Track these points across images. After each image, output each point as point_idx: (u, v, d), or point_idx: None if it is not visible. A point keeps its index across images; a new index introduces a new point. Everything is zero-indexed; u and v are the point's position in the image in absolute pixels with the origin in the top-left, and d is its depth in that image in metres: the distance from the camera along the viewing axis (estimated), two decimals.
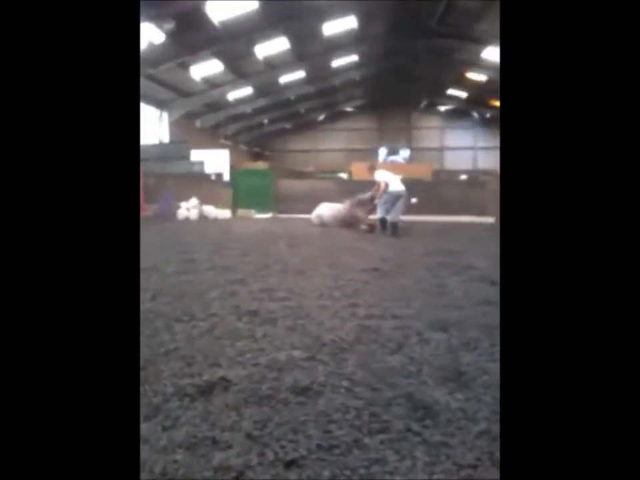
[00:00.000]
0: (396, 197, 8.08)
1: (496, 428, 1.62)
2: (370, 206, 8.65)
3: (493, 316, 2.87)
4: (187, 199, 12.04)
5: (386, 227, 8.17)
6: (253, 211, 12.63)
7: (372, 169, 8.73)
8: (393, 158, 30.32)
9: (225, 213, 12.22)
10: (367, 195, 8.75)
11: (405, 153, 31.42)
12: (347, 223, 8.95)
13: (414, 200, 11.09)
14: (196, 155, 15.80)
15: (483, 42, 16.91)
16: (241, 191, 13.09)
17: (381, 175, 8.37)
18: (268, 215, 12.55)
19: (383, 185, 8.12)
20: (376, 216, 8.33)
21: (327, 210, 9.46)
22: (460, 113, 29.42)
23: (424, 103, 29.26)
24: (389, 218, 8.10)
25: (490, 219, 10.98)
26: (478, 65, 19.76)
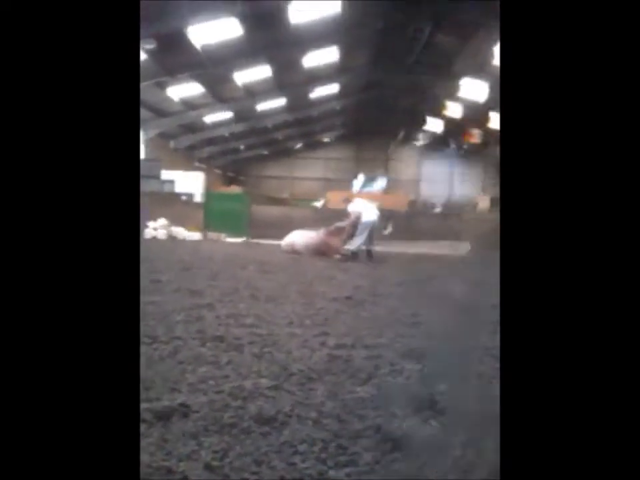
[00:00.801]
0: (368, 225, 8.36)
1: (470, 453, 1.60)
2: (345, 235, 8.76)
3: (468, 344, 2.88)
4: (155, 218, 11.87)
5: (356, 258, 8.40)
6: (223, 235, 12.55)
7: (347, 201, 9.00)
8: (368, 188, 30.89)
9: (195, 235, 12.09)
10: (344, 224, 8.86)
11: (381, 182, 32.05)
12: (320, 251, 8.97)
13: (389, 229, 11.24)
14: (168, 175, 15.71)
15: (460, 77, 17.63)
16: (213, 214, 13.02)
17: (354, 206, 8.59)
18: (240, 240, 12.47)
19: (353, 217, 8.39)
20: (350, 246, 8.49)
21: (299, 237, 9.46)
22: (437, 143, 30.41)
23: (401, 134, 30.06)
24: (363, 246, 8.29)
25: (465, 248, 11.17)
26: (455, 99, 20.51)
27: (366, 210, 8.52)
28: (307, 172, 33.78)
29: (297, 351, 2.78)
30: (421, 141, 31.41)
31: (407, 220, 13.49)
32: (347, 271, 7.01)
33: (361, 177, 29.15)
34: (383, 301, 4.57)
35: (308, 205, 21.50)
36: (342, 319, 3.71)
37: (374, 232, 8.59)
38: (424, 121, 26.28)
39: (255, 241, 12.24)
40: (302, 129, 28.49)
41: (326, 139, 32.54)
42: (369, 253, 8.59)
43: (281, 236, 10.14)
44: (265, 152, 31.98)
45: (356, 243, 8.43)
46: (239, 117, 22.70)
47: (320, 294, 4.77)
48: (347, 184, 29.72)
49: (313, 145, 32.90)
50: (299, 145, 32.55)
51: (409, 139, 31.27)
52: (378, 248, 9.08)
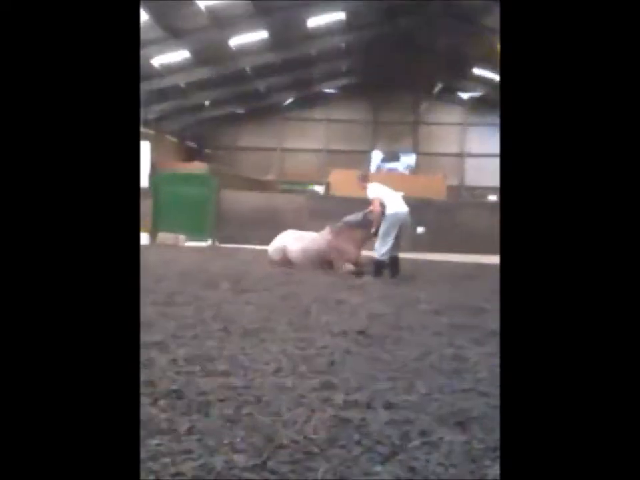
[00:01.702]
0: (396, 221, 8.24)
1: None
2: (364, 235, 8.68)
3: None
4: None
5: (383, 270, 8.27)
6: (181, 237, 12.56)
7: (364, 180, 8.80)
8: (391, 166, 30.90)
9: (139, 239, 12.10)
10: (359, 218, 8.77)
11: (408, 159, 32.02)
12: (326, 261, 8.92)
13: (421, 229, 11.30)
14: None
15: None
16: (164, 205, 13.03)
17: (375, 191, 8.47)
18: (204, 244, 12.50)
19: (377, 206, 8.22)
20: (374, 252, 8.40)
21: (294, 241, 9.37)
22: (491, 103, 30.13)
23: (438, 87, 30.00)
24: (389, 253, 8.22)
25: None
26: None
27: (391, 199, 8.45)
28: (302, 141, 33.60)
29: (288, 412, 2.80)
30: (467, 98, 31.21)
31: (446, 214, 13.53)
32: (362, 291, 7.04)
33: (377, 154, 29.01)
34: (412, 337, 4.61)
35: (304, 191, 21.53)
36: (353, 363, 3.74)
37: (403, 233, 8.54)
38: (471, 69, 26.24)
39: (227, 245, 12.28)
40: (293, 75, 28.27)
41: (328, 90, 32.38)
42: (394, 264, 8.54)
43: (265, 238, 10.18)
44: (240, 110, 31.78)
45: (382, 249, 8.29)
46: (200, 57, 22.38)
47: (322, 326, 4.79)
48: (360, 159, 29.77)
49: (309, 99, 32.67)
50: (289, 100, 32.40)
51: (449, 92, 31.18)
52: (406, 255, 9.08)
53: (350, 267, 8.68)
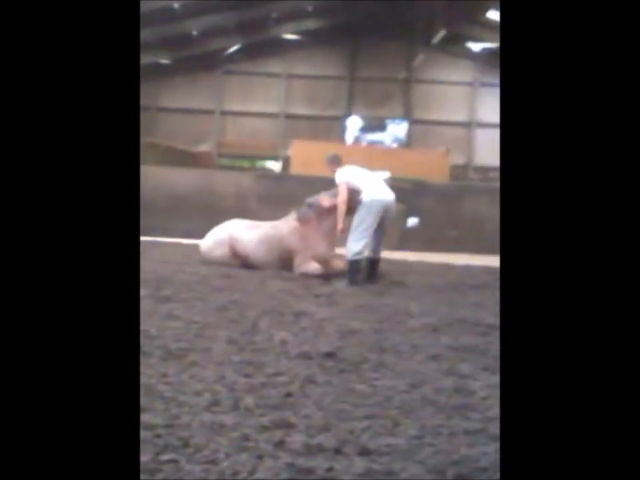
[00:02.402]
0: (374, 211, 8.37)
1: None
2: (333, 224, 8.75)
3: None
4: None
5: (358, 272, 8.41)
6: None
7: (335, 163, 9.00)
8: (374, 138, 31.00)
9: None
10: (326, 200, 8.86)
11: (397, 129, 32.14)
12: (283, 259, 9.02)
13: (412, 221, 11.34)
14: None
15: None
16: None
17: (344, 173, 8.59)
18: None
19: (344, 192, 8.38)
20: (346, 252, 8.48)
21: (246, 229, 9.51)
22: None
23: (440, 35, 30.11)
24: (365, 252, 8.39)
25: None
26: None
27: (368, 182, 8.59)
28: (251, 102, 33.31)
29: (226, 459, 2.79)
30: (478, 50, 31.42)
31: (448, 201, 13.59)
32: (331, 300, 7.11)
33: (355, 120, 28.95)
34: (399, 362, 4.62)
35: (252, 168, 21.38)
36: (318, 396, 3.74)
37: (385, 226, 8.70)
38: (485, 13, 26.45)
39: (144, 239, 12.18)
40: (239, 15, 28.03)
41: (288, 36, 32.23)
42: (373, 266, 8.70)
43: (195, 230, 10.12)
44: (165, 60, 31.49)
45: (355, 246, 8.38)
46: None
47: (275, 346, 4.81)
48: (331, 128, 29.75)
49: (261, 47, 32.47)
50: (233, 48, 32.18)
51: (453, 42, 31.36)
52: (393, 255, 9.11)
53: (315, 267, 8.69)
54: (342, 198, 8.46)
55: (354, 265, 8.41)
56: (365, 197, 8.39)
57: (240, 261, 9.17)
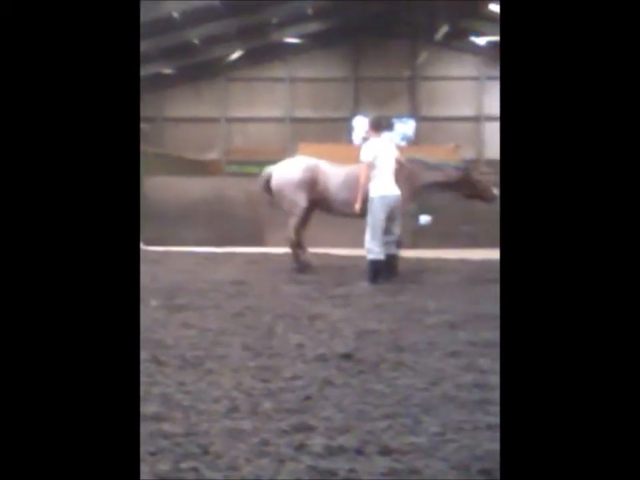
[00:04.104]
0: (388, 205, 8.48)
1: None
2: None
3: None
4: None
5: (379, 271, 8.42)
6: None
7: (377, 128, 9.08)
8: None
9: None
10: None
11: (405, 127, 32.07)
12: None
13: (425, 218, 11.32)
14: None
15: None
16: None
17: (368, 153, 8.68)
18: None
19: (365, 173, 8.52)
20: (368, 253, 8.50)
21: (328, 167, 9.65)
22: None
23: (443, 30, 30.07)
24: (385, 250, 8.40)
25: None
26: None
27: (383, 171, 8.58)
28: (255, 107, 33.37)
29: (247, 464, 2.78)
30: (483, 44, 31.33)
31: (460, 196, 13.56)
32: (347, 301, 7.09)
33: (362, 118, 28.91)
34: (418, 360, 4.61)
35: (261, 173, 21.23)
36: (337, 397, 3.73)
37: (397, 220, 8.72)
38: (487, 5, 26.41)
39: (156, 248, 12.21)
40: (240, 21, 28.04)
41: (290, 40, 32.20)
42: (392, 263, 8.72)
43: (206, 238, 10.11)
44: (168, 69, 31.55)
45: (373, 246, 8.42)
46: None
47: (292, 350, 4.81)
48: (338, 130, 29.73)
49: (264, 52, 32.53)
50: (235, 55, 32.20)
51: (458, 37, 31.31)
52: (406, 253, 9.10)
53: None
54: (363, 180, 8.55)
55: (374, 264, 8.43)
56: (373, 192, 8.46)
57: (316, 196, 9.37)
